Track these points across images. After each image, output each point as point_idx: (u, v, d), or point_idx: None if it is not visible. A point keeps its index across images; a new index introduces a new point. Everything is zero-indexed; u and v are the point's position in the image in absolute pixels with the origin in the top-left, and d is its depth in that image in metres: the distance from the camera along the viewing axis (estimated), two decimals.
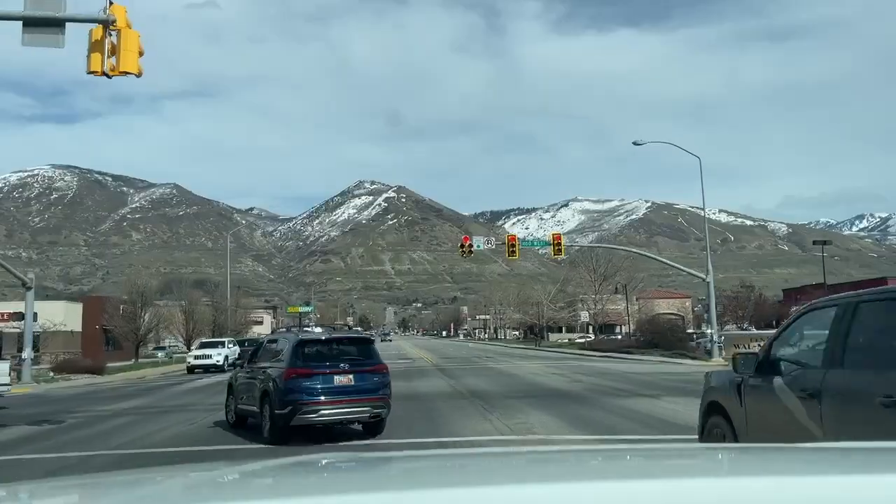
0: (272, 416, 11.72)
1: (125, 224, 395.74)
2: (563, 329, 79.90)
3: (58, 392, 27.71)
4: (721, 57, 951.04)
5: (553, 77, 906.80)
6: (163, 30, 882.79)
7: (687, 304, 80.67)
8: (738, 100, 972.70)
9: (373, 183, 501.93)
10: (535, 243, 47.55)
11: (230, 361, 37.97)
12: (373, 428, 12.35)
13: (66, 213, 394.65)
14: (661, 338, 41.46)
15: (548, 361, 36.94)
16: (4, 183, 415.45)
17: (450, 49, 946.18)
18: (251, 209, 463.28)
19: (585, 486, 1.74)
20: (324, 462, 2.29)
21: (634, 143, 34.92)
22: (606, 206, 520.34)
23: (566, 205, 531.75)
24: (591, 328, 77.22)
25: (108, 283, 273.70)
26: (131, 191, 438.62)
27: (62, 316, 57.03)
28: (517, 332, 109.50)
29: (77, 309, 62.95)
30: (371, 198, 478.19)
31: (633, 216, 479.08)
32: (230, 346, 42.43)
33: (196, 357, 40.12)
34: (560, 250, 33.77)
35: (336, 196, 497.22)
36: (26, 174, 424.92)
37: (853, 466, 2.03)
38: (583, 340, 64.55)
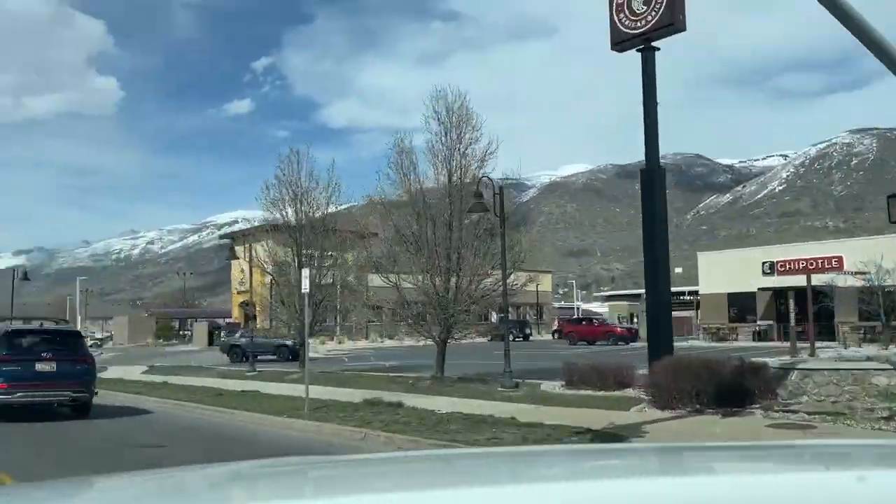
0: None
1: None
2: None
3: None
4: None
5: None
6: None
7: None
8: None
9: None
10: None
11: None
12: (79, 409, 14.55)
13: (868, 177, 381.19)
14: None
15: None
16: (805, 157, 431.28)
17: None
18: None
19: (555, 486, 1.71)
20: (307, 464, 2.27)
21: None
22: None
23: None
24: None
25: None
26: None
27: None
28: None
29: None
30: None
31: None
32: None
33: None
34: None
35: None
36: (824, 145, 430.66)
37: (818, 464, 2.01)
38: None
